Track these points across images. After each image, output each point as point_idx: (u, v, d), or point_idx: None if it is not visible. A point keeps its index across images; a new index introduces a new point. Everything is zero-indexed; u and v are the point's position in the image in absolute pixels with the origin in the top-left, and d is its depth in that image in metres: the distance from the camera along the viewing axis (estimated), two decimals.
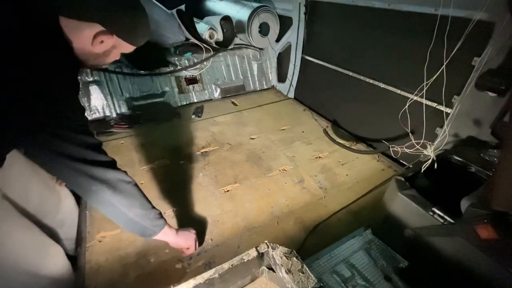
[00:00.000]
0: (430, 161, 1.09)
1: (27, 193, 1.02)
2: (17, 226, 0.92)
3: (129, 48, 0.87)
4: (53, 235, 1.13)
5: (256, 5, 2.54)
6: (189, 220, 1.39)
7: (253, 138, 2.07)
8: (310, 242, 1.29)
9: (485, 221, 0.80)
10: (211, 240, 1.30)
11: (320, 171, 1.77)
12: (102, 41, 0.78)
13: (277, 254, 0.82)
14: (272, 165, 1.80)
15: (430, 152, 1.10)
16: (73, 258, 1.19)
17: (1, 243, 0.85)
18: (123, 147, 1.90)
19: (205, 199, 1.52)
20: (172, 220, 1.38)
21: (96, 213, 1.38)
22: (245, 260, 0.81)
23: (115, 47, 0.84)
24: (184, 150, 1.90)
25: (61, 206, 1.19)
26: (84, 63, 0.85)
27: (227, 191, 1.58)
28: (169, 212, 1.42)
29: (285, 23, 2.68)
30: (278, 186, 1.63)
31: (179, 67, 2.41)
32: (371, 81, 1.99)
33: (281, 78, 2.96)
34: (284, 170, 1.77)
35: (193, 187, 1.60)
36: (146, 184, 1.59)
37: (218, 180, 1.65)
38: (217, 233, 1.33)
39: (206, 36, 2.40)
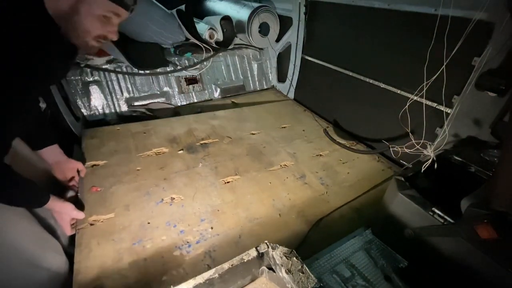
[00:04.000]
0: (430, 161, 1.09)
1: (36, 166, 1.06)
2: (19, 216, 0.94)
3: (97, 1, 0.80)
4: (51, 231, 1.14)
5: (256, 5, 2.54)
6: (187, 207, 1.38)
7: (254, 134, 2.07)
8: (313, 237, 1.28)
9: (485, 221, 0.80)
10: (211, 228, 1.28)
11: (321, 168, 1.77)
12: None
13: (277, 254, 0.82)
14: (273, 160, 1.80)
15: (430, 152, 1.10)
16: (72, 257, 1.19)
17: (4, 231, 0.86)
18: (119, 133, 1.86)
19: (204, 189, 1.50)
20: (170, 207, 1.37)
21: (89, 197, 1.35)
22: (245, 260, 0.82)
23: (81, 1, 0.79)
24: (183, 140, 1.88)
25: None
26: (66, 35, 0.82)
27: (228, 182, 1.57)
28: (166, 199, 1.41)
29: (285, 23, 2.68)
30: (279, 180, 1.63)
31: (179, 67, 2.41)
32: (371, 81, 1.99)
33: (281, 78, 2.96)
34: (285, 165, 1.76)
35: (192, 176, 1.58)
36: (142, 170, 1.57)
37: (218, 171, 1.64)
38: (217, 222, 1.32)
39: (206, 36, 2.40)
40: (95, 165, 1.57)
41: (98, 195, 1.38)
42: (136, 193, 1.42)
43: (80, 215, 1.15)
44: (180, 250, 1.18)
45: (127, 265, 1.10)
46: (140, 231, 1.23)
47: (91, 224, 1.23)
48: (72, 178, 1.31)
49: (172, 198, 1.42)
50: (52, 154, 1.23)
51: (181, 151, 1.77)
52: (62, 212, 1.09)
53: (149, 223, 1.28)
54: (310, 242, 1.25)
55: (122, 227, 1.24)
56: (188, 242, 1.21)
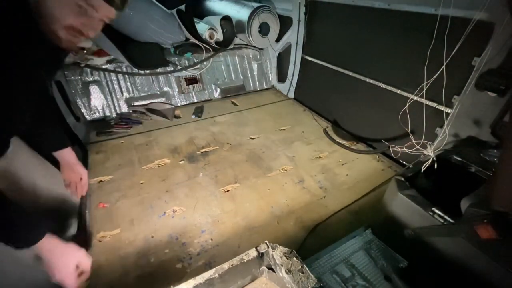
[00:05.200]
0: (430, 161, 1.10)
1: (35, 184, 1.02)
2: None
3: None
4: None
5: (256, 5, 2.54)
6: (188, 219, 1.39)
7: (253, 138, 2.07)
8: (310, 242, 1.29)
9: (485, 221, 0.80)
10: (211, 240, 1.30)
11: (320, 171, 1.77)
12: None
13: (277, 254, 0.82)
14: (272, 165, 1.80)
15: (430, 152, 1.10)
16: None
17: None
18: (122, 147, 1.90)
19: (205, 199, 1.52)
20: (172, 220, 1.38)
21: (96, 213, 1.39)
22: (245, 260, 0.82)
23: None
24: (184, 149, 1.90)
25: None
26: (40, 24, 0.70)
27: (227, 191, 1.58)
28: (168, 212, 1.42)
29: (285, 23, 2.68)
30: (278, 186, 1.63)
31: (179, 67, 2.41)
32: (371, 81, 1.99)
33: (281, 78, 2.96)
34: (284, 170, 1.77)
35: (193, 186, 1.60)
36: (145, 183, 1.59)
37: (218, 180, 1.65)
38: (217, 233, 1.33)
39: (206, 36, 2.40)
40: (101, 181, 1.59)
41: (105, 211, 1.41)
42: (140, 207, 1.44)
43: (88, 265, 0.86)
44: (182, 263, 1.20)
45: (133, 279, 1.13)
46: (145, 245, 1.26)
47: (99, 241, 1.26)
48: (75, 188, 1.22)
49: (174, 211, 1.44)
50: (66, 154, 1.16)
51: (182, 161, 1.79)
52: (64, 255, 0.80)
53: (152, 237, 1.30)
54: (307, 248, 1.26)
55: (128, 242, 1.27)
56: (189, 254, 1.23)
